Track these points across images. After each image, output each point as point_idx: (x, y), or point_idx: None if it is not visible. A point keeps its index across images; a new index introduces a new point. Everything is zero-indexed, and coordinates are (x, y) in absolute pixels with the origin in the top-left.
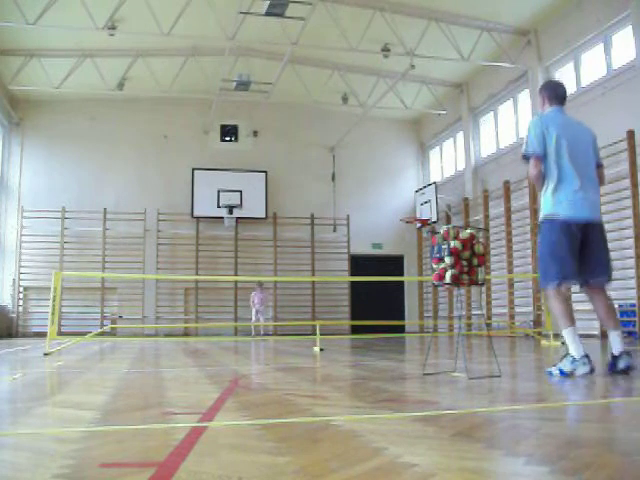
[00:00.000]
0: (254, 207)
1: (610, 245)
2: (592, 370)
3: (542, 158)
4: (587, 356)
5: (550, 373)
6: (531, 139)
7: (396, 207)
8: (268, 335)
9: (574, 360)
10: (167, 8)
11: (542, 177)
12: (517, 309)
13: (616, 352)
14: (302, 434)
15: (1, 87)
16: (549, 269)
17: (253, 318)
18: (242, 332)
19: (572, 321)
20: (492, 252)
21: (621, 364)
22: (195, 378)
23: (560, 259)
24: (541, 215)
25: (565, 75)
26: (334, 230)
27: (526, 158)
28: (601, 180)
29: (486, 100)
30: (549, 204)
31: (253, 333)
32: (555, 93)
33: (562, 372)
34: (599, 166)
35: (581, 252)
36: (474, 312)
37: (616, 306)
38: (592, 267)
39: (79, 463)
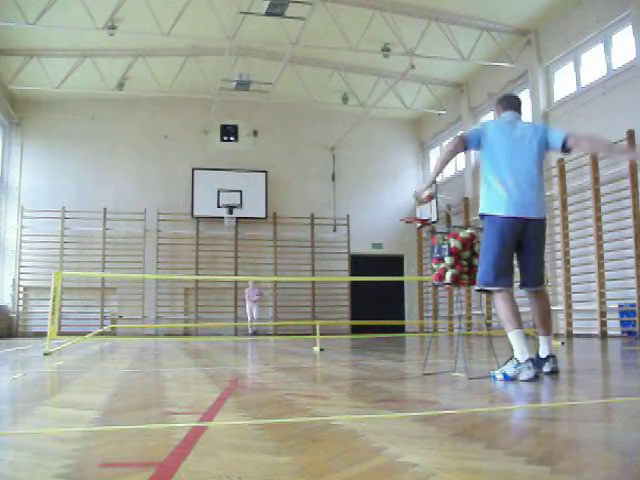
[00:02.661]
0: (254, 207)
1: (610, 245)
2: (536, 375)
3: (466, 144)
4: (532, 360)
5: (494, 377)
6: (471, 129)
7: (396, 207)
8: (266, 335)
9: (518, 364)
10: (167, 8)
11: (448, 156)
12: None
13: (543, 354)
14: (302, 434)
15: (1, 87)
16: (481, 270)
17: (248, 316)
18: (242, 332)
19: (518, 323)
20: None
21: (547, 367)
22: (195, 378)
23: (489, 261)
24: (480, 209)
25: (565, 75)
26: (334, 230)
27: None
28: (574, 142)
29: (486, 100)
30: (486, 202)
31: (250, 331)
32: (508, 102)
33: (506, 376)
34: (565, 141)
35: (518, 252)
36: (474, 312)
37: (615, 306)
38: (525, 271)
39: (79, 463)
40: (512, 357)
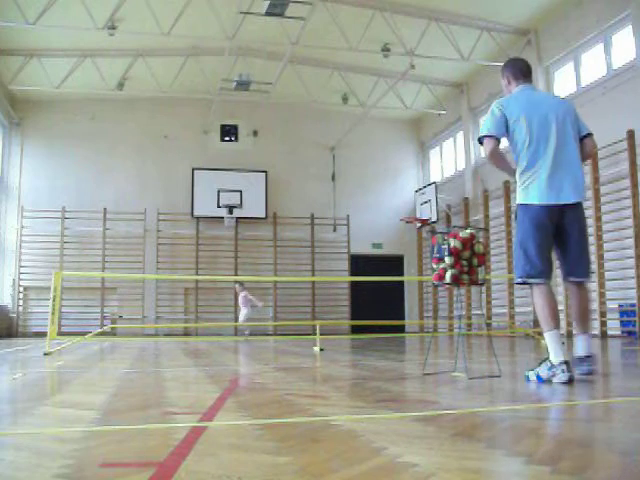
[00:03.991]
0: (254, 207)
1: (610, 245)
2: (571, 379)
3: (498, 139)
4: (567, 362)
5: (527, 378)
6: (486, 121)
7: (396, 207)
8: (266, 334)
9: (552, 366)
10: (167, 8)
11: (501, 156)
12: (517, 309)
13: (581, 354)
14: (302, 434)
15: (1, 87)
16: (518, 263)
17: (243, 317)
18: (241, 332)
19: (555, 323)
20: (492, 252)
21: (584, 368)
22: (195, 378)
23: (528, 254)
24: (517, 199)
25: (565, 75)
26: (334, 230)
27: (480, 142)
28: (589, 150)
29: (486, 100)
30: (521, 190)
31: (247, 332)
32: (516, 68)
33: (539, 378)
34: (585, 137)
35: (558, 242)
36: (474, 312)
37: (615, 306)
38: (569, 262)
39: (79, 463)
40: (546, 359)
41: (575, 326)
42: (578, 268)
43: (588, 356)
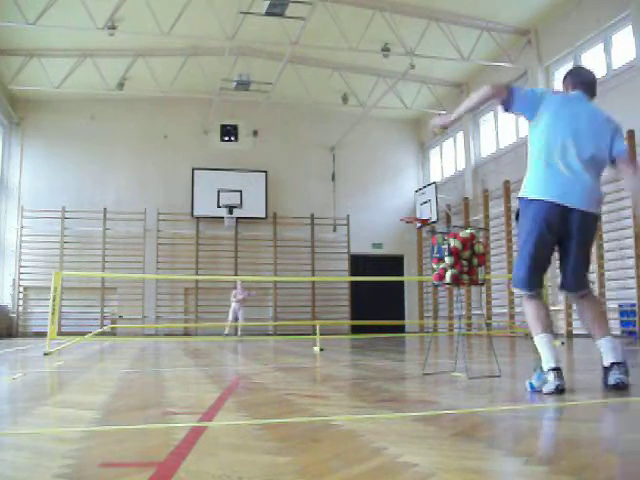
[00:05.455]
0: (254, 207)
1: (610, 245)
2: (560, 388)
3: (511, 99)
4: (556, 369)
5: (525, 387)
6: (526, 89)
7: (396, 207)
8: (266, 334)
9: (541, 373)
10: (167, 8)
11: (483, 99)
12: (517, 309)
13: (606, 362)
14: (302, 434)
15: (1, 87)
16: (519, 270)
17: (230, 316)
18: (243, 332)
19: (544, 327)
20: (492, 252)
21: (611, 379)
22: (195, 378)
23: (523, 261)
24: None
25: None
26: (334, 230)
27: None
28: (623, 171)
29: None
30: (526, 184)
31: (226, 332)
32: (580, 79)
33: (532, 387)
34: (615, 160)
35: (561, 248)
36: (474, 312)
37: (615, 306)
38: (564, 273)
39: (79, 463)
40: (539, 365)
41: (592, 333)
42: (570, 280)
43: (615, 364)
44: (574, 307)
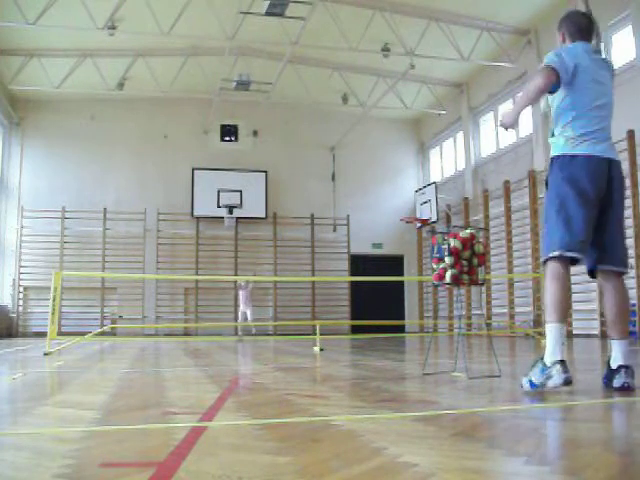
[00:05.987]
0: (254, 207)
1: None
2: (567, 381)
3: (558, 76)
4: (562, 362)
5: (522, 387)
6: (551, 57)
7: (396, 207)
8: (267, 334)
9: (545, 367)
10: (167, 8)
11: (542, 93)
12: (517, 309)
13: (614, 364)
14: (302, 434)
15: (1, 87)
16: (554, 233)
17: (240, 317)
18: (243, 332)
19: (564, 315)
20: (492, 252)
21: (616, 382)
22: (195, 378)
23: (571, 220)
24: (552, 153)
25: None
26: (334, 230)
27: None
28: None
29: (486, 100)
30: (563, 140)
31: (253, 331)
32: (575, 26)
33: (532, 385)
34: None
35: (600, 219)
36: (474, 312)
37: None
38: (605, 245)
39: (79, 463)
40: (539, 359)
41: (611, 330)
42: (616, 254)
43: (623, 367)
44: (574, 307)
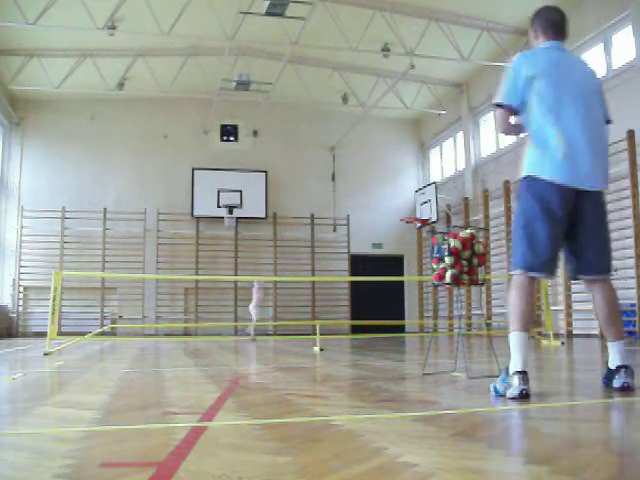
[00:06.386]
0: (254, 207)
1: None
2: (523, 394)
3: (514, 109)
4: (523, 373)
5: (489, 389)
6: (502, 85)
7: (396, 207)
8: (267, 334)
9: (506, 377)
10: (167, 8)
11: (518, 129)
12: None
13: (612, 365)
14: (302, 434)
15: (1, 87)
16: (517, 249)
17: (254, 317)
18: (242, 332)
19: (526, 323)
20: (492, 252)
21: (616, 382)
22: (195, 378)
23: (534, 239)
24: (521, 173)
25: None
26: (334, 230)
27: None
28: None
29: (486, 100)
30: (531, 161)
31: (253, 333)
32: (548, 21)
33: (496, 391)
34: (607, 122)
35: (571, 233)
36: (474, 312)
37: None
38: (587, 256)
39: (79, 463)
40: (506, 367)
41: (605, 332)
42: (598, 262)
43: (622, 367)
44: (574, 307)
